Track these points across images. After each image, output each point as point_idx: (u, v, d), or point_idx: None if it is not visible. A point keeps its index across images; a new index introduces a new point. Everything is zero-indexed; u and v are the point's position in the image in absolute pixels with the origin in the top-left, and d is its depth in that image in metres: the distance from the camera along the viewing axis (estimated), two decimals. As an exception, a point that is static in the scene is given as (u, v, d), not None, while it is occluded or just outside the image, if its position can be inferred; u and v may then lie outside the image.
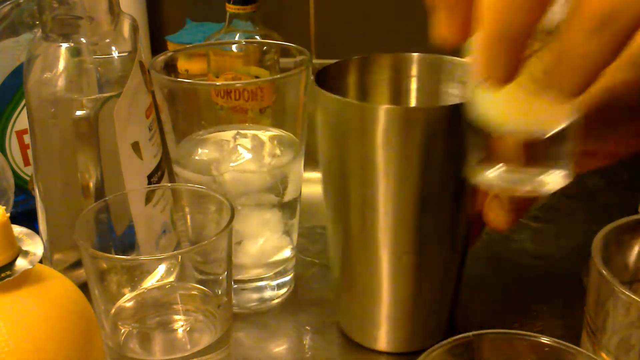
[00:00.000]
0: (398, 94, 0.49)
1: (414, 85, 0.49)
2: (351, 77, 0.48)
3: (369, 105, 0.42)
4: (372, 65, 0.49)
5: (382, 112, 0.40)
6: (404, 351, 0.47)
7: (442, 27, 0.33)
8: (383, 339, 0.47)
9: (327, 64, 0.46)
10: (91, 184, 0.48)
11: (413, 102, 0.49)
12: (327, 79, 0.45)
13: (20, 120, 0.58)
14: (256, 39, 0.80)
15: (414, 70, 0.48)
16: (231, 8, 0.81)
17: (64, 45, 0.46)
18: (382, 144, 0.40)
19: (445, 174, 0.42)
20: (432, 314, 0.47)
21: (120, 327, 0.41)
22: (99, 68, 0.47)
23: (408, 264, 0.44)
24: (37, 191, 0.50)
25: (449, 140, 0.41)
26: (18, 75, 0.52)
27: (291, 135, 0.51)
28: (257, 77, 0.57)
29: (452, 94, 0.47)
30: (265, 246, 0.51)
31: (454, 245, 0.45)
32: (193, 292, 0.45)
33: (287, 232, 0.52)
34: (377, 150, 0.41)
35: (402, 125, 0.40)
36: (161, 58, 0.51)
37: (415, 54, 0.48)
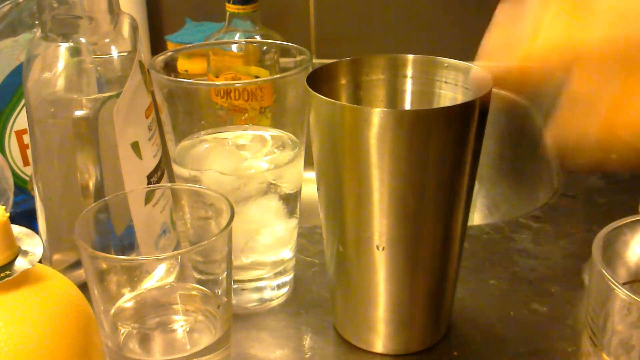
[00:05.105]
0: (392, 96, 0.49)
1: (408, 86, 0.49)
2: (344, 78, 0.48)
3: (361, 108, 0.41)
4: (365, 66, 0.48)
5: (375, 114, 0.40)
6: (402, 353, 0.47)
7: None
8: (380, 342, 0.47)
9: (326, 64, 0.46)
10: (91, 184, 0.48)
11: (407, 104, 0.49)
12: (319, 81, 0.45)
13: (20, 120, 0.58)
14: (256, 38, 0.80)
15: (408, 72, 0.48)
16: (231, 8, 0.81)
17: (64, 45, 0.46)
18: (376, 147, 0.40)
19: (440, 175, 0.42)
20: (430, 314, 0.47)
21: (120, 328, 0.41)
22: (98, 68, 0.47)
23: (403, 263, 0.44)
24: (36, 191, 0.50)
25: (442, 141, 0.41)
26: (17, 75, 0.52)
27: (291, 135, 0.51)
28: (257, 77, 0.57)
29: (447, 96, 0.47)
30: (273, 241, 0.51)
31: (450, 244, 0.45)
32: (193, 293, 0.45)
33: (289, 233, 0.52)
34: (371, 153, 0.41)
35: (395, 128, 0.40)
36: (161, 58, 0.51)
37: (410, 55, 0.48)
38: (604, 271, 0.33)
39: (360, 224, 0.43)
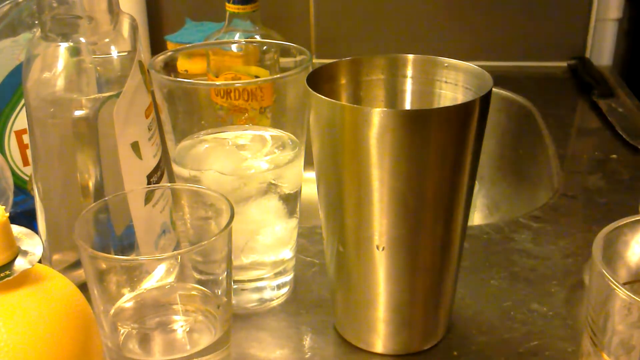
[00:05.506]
0: (392, 96, 0.49)
1: (408, 86, 0.49)
2: (344, 78, 0.48)
3: (361, 108, 0.42)
4: (365, 66, 0.48)
5: (375, 114, 0.40)
6: (402, 353, 0.47)
7: None
8: (380, 342, 0.47)
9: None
10: (90, 184, 0.48)
11: (407, 104, 0.49)
12: (319, 81, 0.45)
13: (19, 120, 0.58)
14: (256, 38, 0.80)
15: (408, 72, 0.48)
16: (231, 7, 0.81)
17: (63, 45, 0.46)
18: (376, 147, 0.40)
19: (440, 175, 0.42)
20: (430, 314, 0.47)
21: (120, 328, 0.41)
22: (98, 68, 0.47)
23: (403, 263, 0.44)
24: (36, 191, 0.50)
25: (442, 141, 0.41)
26: (17, 75, 0.52)
27: (291, 135, 0.51)
28: (257, 77, 0.57)
29: (447, 96, 0.47)
30: (272, 242, 0.51)
31: (450, 244, 0.45)
32: (193, 293, 0.45)
33: (289, 233, 0.52)
34: (371, 153, 0.41)
35: (395, 128, 0.40)
36: (161, 58, 0.51)
37: (410, 55, 0.48)
38: (604, 271, 0.33)
39: (360, 224, 0.43)
